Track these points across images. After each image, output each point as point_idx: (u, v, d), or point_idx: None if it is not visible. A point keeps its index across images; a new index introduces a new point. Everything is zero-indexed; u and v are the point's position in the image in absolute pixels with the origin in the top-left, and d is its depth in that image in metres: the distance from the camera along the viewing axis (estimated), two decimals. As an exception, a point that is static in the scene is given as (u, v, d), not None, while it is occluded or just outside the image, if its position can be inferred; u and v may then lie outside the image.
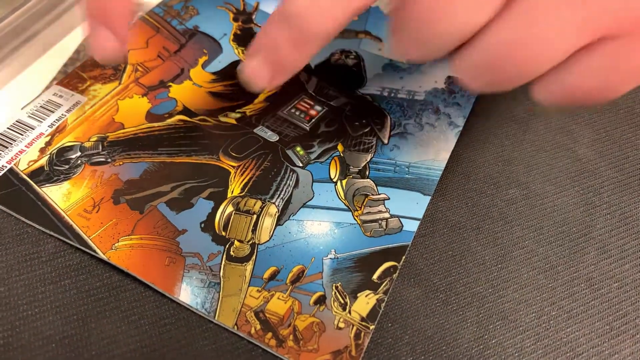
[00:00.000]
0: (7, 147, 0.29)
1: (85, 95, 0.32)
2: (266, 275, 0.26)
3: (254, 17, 0.39)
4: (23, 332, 0.24)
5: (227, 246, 0.27)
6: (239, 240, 0.27)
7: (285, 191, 0.29)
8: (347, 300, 0.26)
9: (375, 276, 0.27)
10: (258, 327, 0.24)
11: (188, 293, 0.25)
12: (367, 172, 0.31)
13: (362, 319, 0.25)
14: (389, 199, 0.30)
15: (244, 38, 0.37)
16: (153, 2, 0.38)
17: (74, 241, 0.26)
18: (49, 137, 0.30)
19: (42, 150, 0.29)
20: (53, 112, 0.31)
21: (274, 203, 0.29)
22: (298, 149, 0.31)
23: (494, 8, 0.19)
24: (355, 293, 0.26)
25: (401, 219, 0.29)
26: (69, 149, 0.30)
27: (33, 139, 0.30)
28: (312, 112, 0.33)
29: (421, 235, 0.29)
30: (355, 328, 0.25)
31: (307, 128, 0.32)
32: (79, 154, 0.30)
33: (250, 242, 0.27)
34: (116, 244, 0.26)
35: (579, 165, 0.32)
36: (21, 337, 0.24)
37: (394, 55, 0.23)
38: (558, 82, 0.20)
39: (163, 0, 0.38)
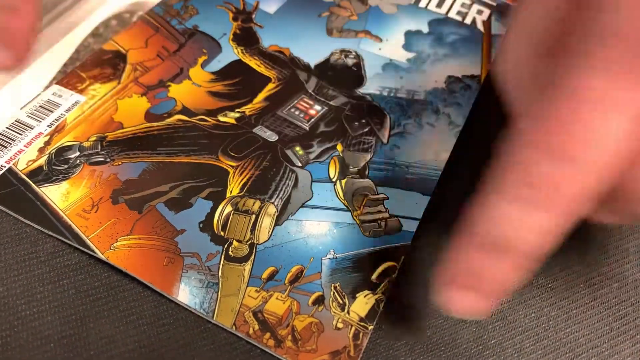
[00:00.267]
0: (6, 147, 0.29)
1: (84, 95, 0.32)
2: (265, 275, 0.26)
3: (253, 16, 0.38)
4: (21, 332, 0.24)
5: (225, 246, 0.27)
6: (238, 240, 0.27)
7: (284, 191, 0.29)
8: (346, 300, 0.26)
9: (374, 276, 0.27)
10: (256, 327, 0.24)
11: (186, 293, 0.25)
12: (367, 172, 0.31)
13: (361, 319, 0.25)
14: (388, 199, 0.29)
15: (244, 37, 0.37)
16: (153, 1, 0.38)
17: (73, 241, 0.26)
18: (48, 137, 0.30)
19: (41, 150, 0.29)
20: (52, 111, 0.31)
21: (272, 203, 0.29)
22: (297, 148, 0.31)
23: None
24: (354, 293, 0.26)
25: (400, 219, 0.29)
26: (68, 148, 0.30)
27: (32, 139, 0.30)
28: (312, 112, 0.33)
29: (420, 235, 0.29)
30: (354, 328, 0.25)
31: (307, 128, 0.32)
32: (77, 153, 0.29)
33: (249, 242, 0.27)
34: (115, 244, 0.26)
35: (579, 165, 0.32)
36: (19, 337, 0.23)
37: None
38: None
39: (163, -1, 0.38)
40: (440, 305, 0.20)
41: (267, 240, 0.27)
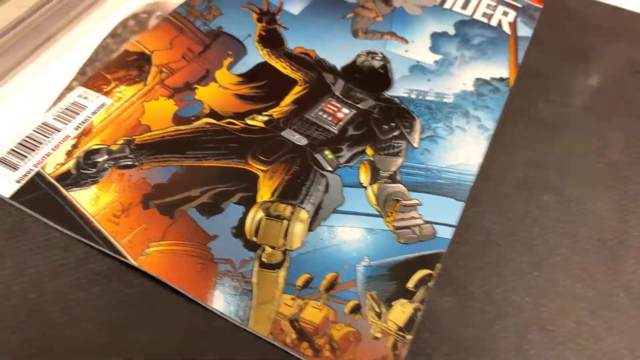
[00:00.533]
0: (33, 150, 0.29)
1: (110, 97, 0.32)
2: (299, 282, 0.26)
3: (278, 17, 0.38)
4: (56, 341, 0.23)
5: (259, 252, 0.26)
6: (271, 247, 0.27)
7: (315, 196, 0.29)
8: (383, 308, 0.25)
9: (410, 284, 0.26)
10: (294, 336, 0.24)
11: (221, 300, 0.25)
12: (399, 177, 0.30)
13: (399, 329, 0.25)
14: (421, 204, 0.29)
15: (269, 39, 0.36)
16: (170, 1, 0.38)
17: (104, 246, 0.26)
18: (75, 140, 0.30)
19: (69, 153, 0.29)
20: (78, 114, 0.31)
21: (304, 208, 0.28)
22: (327, 152, 0.31)
23: None
24: (390, 302, 0.25)
25: (434, 226, 0.28)
26: (96, 152, 0.29)
27: (59, 142, 0.29)
28: (340, 115, 0.33)
29: (455, 242, 0.28)
30: (392, 338, 0.24)
31: (335, 131, 0.32)
32: (106, 157, 0.29)
33: (282, 249, 0.27)
34: (146, 250, 0.26)
35: (613, 170, 0.32)
36: (54, 346, 0.23)
37: None
38: None
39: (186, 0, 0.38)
40: None
41: (300, 247, 0.27)
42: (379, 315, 0.25)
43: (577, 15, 0.41)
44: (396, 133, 0.32)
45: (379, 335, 0.24)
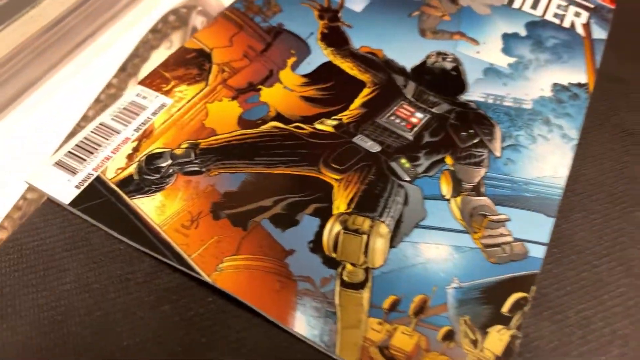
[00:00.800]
0: (92, 153, 0.27)
1: (170, 97, 0.30)
2: (386, 305, 0.23)
3: (340, 14, 0.36)
4: (127, 365, 0.21)
5: (339, 270, 0.24)
6: (352, 264, 0.24)
7: (395, 209, 0.27)
8: (478, 335, 0.23)
9: (505, 309, 0.24)
10: (385, 365, 0.22)
11: (303, 323, 0.22)
12: (483, 189, 0.28)
13: (497, 358, 0.22)
14: (510, 220, 0.27)
15: (332, 37, 0.34)
16: (231, -4, 0.36)
17: (173, 260, 0.24)
18: (135, 143, 0.28)
19: (130, 157, 0.27)
20: (138, 114, 0.29)
21: (383, 222, 0.26)
22: (403, 161, 0.29)
23: None
24: (485, 328, 0.23)
25: (525, 244, 0.26)
26: (159, 156, 0.27)
27: (119, 144, 0.27)
28: (414, 120, 0.30)
29: (548, 262, 0.26)
30: (493, 369, 0.22)
31: (411, 137, 0.30)
32: (169, 161, 0.27)
33: (364, 266, 0.24)
34: (220, 265, 0.24)
35: None
36: (125, 370, 0.21)
37: None
38: None
39: (244, -5, 0.36)
40: None
41: (382, 265, 0.25)
42: (474, 343, 0.23)
43: (656, 17, 0.39)
44: (476, 140, 0.30)
45: (477, 366, 0.22)
